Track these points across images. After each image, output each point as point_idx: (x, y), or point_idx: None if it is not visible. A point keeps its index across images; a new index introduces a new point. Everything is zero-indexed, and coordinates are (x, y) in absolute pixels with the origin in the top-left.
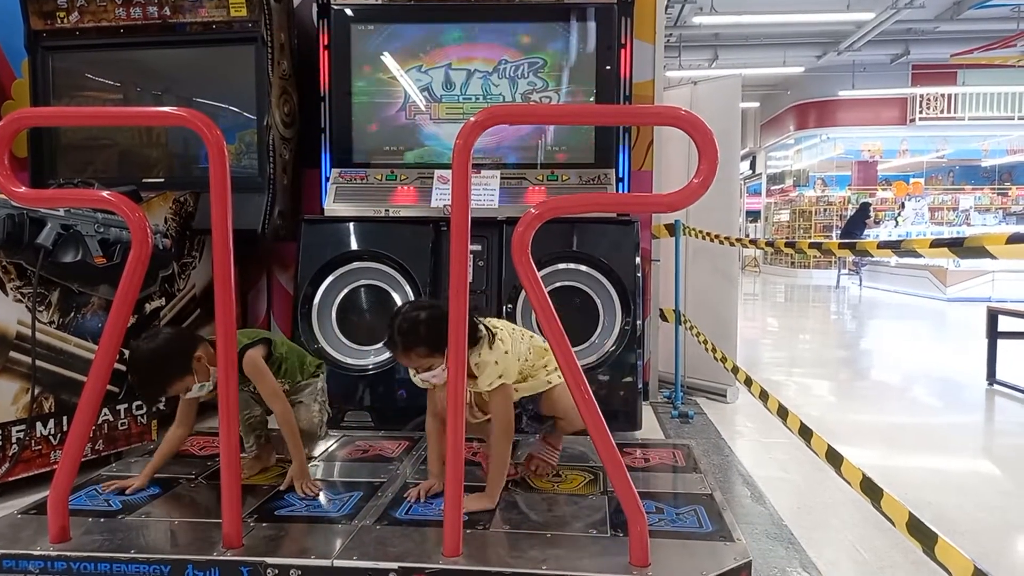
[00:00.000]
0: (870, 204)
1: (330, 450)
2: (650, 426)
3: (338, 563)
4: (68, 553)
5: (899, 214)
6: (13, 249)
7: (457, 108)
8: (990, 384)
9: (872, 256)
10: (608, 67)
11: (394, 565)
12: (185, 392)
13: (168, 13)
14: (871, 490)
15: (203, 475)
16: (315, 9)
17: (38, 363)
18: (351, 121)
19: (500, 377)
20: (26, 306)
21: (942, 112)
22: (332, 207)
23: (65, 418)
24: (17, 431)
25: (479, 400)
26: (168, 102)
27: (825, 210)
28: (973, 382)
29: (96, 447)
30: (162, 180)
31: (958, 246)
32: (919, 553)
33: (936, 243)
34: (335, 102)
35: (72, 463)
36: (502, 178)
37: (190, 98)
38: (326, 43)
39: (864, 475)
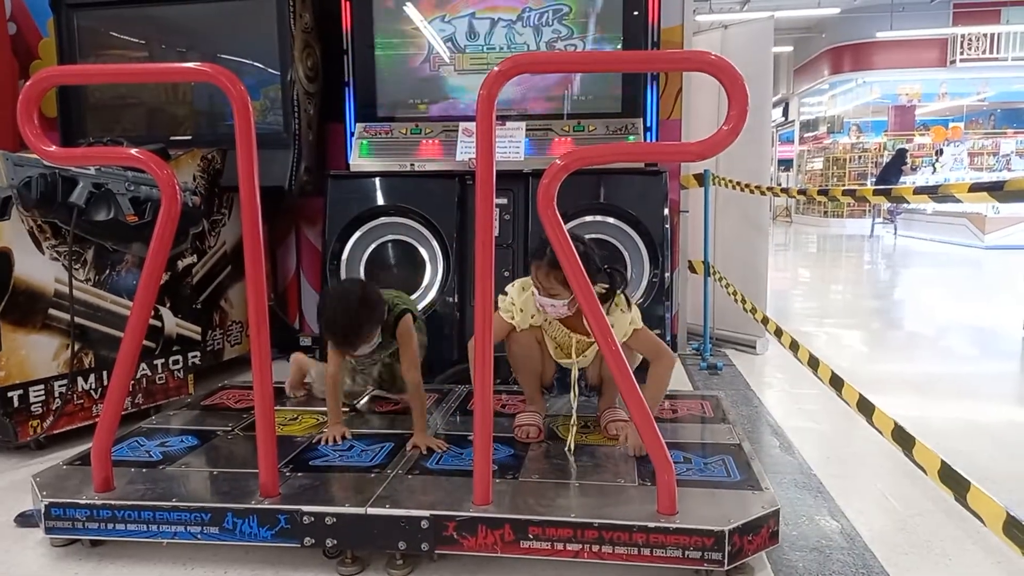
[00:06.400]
0: (907, 151)
1: (361, 403)
2: (679, 378)
3: (372, 511)
4: (113, 501)
5: (937, 160)
6: (47, 208)
7: (481, 58)
8: None
9: (908, 203)
10: (635, 12)
11: (426, 513)
12: (368, 341)
13: None
14: (903, 439)
15: (239, 427)
16: None
17: (77, 320)
18: (375, 74)
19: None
20: (62, 264)
21: (984, 53)
22: (357, 162)
23: (105, 373)
24: (59, 386)
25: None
26: (192, 59)
27: (860, 157)
28: (1010, 331)
29: (136, 400)
30: (189, 137)
31: (998, 190)
32: (950, 501)
33: (975, 187)
34: (358, 55)
35: (113, 416)
36: (527, 130)
37: (214, 54)
38: None
39: (896, 424)
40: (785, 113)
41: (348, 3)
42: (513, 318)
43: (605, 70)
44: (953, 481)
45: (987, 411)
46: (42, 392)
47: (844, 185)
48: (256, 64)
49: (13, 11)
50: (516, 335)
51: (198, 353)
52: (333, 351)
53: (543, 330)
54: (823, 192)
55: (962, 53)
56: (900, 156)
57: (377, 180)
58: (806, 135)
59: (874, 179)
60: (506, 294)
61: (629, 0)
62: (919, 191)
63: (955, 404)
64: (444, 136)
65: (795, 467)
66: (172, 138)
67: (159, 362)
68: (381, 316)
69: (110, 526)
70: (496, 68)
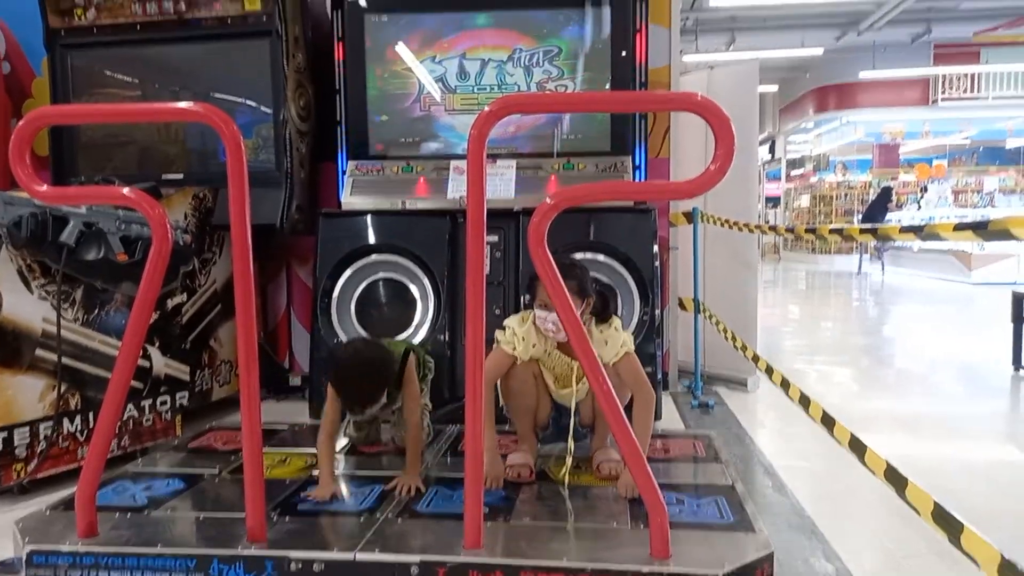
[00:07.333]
0: (892, 188)
1: (351, 443)
2: (670, 416)
3: (360, 556)
4: (96, 548)
5: (922, 197)
6: (37, 247)
7: (472, 98)
8: (1016, 370)
9: (894, 241)
10: (623, 53)
11: (416, 558)
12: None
13: (183, 8)
14: (895, 479)
15: (227, 469)
16: (329, 0)
17: (64, 360)
18: (367, 113)
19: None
20: (51, 304)
21: (965, 92)
22: (349, 200)
23: (91, 414)
24: (44, 428)
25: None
26: (185, 98)
27: (846, 195)
28: (999, 368)
29: (122, 443)
30: (181, 176)
31: (982, 229)
32: (944, 542)
33: (960, 227)
34: (350, 94)
35: (98, 459)
36: (518, 168)
37: (207, 93)
38: (340, 35)
39: (888, 464)
40: (772, 151)
41: (341, 43)
42: (515, 349)
43: (595, 110)
44: (946, 522)
45: (979, 449)
46: (27, 435)
47: (831, 222)
48: (249, 103)
49: (8, 51)
50: (513, 370)
51: (186, 393)
52: (332, 408)
53: (541, 363)
54: (811, 230)
55: (944, 93)
56: (886, 194)
57: (368, 218)
58: (793, 173)
59: (861, 216)
60: (504, 328)
61: (617, 41)
62: (905, 229)
63: (947, 442)
64: (435, 174)
65: (788, 508)
66: (164, 176)
67: (146, 403)
68: (393, 373)
69: (93, 573)
70: (487, 109)
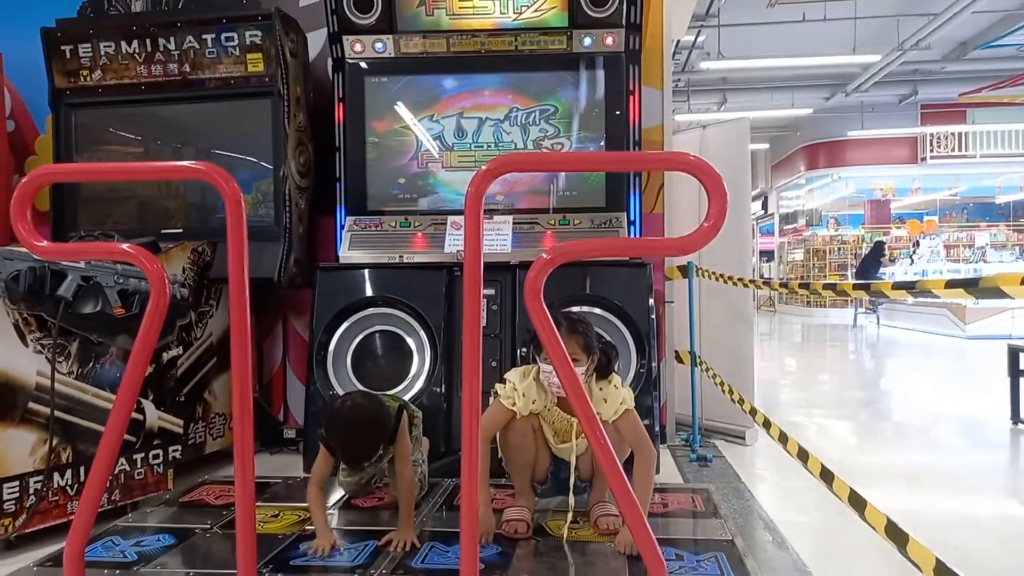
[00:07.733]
0: (884, 243)
1: (346, 498)
2: (668, 470)
3: None
4: None
5: (914, 252)
6: (34, 301)
7: (469, 156)
8: (1015, 424)
9: (887, 298)
10: (617, 112)
11: None
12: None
13: (188, 70)
14: (896, 535)
15: (218, 524)
16: (330, 63)
17: (56, 413)
18: (365, 170)
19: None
20: (46, 357)
21: (953, 150)
22: (347, 254)
23: (82, 468)
24: (35, 482)
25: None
26: (187, 154)
27: (839, 249)
28: (997, 422)
29: (112, 497)
30: (180, 230)
31: (973, 287)
32: None
33: (951, 284)
34: (350, 152)
35: (89, 514)
36: (514, 223)
37: (209, 150)
38: (341, 95)
39: (889, 520)
40: (764, 206)
41: (341, 103)
42: (514, 404)
43: (589, 170)
44: None
45: (979, 504)
46: (16, 489)
47: (825, 276)
48: (250, 159)
49: (13, 109)
50: (512, 423)
51: (179, 447)
52: (323, 461)
53: (541, 417)
54: (805, 285)
55: (932, 151)
56: (878, 248)
57: (366, 272)
58: (786, 227)
59: (854, 270)
60: (504, 382)
61: (612, 101)
62: (898, 286)
63: (947, 497)
64: (433, 229)
65: (789, 564)
66: (164, 231)
67: (139, 456)
68: (390, 428)
69: None
70: (484, 167)
